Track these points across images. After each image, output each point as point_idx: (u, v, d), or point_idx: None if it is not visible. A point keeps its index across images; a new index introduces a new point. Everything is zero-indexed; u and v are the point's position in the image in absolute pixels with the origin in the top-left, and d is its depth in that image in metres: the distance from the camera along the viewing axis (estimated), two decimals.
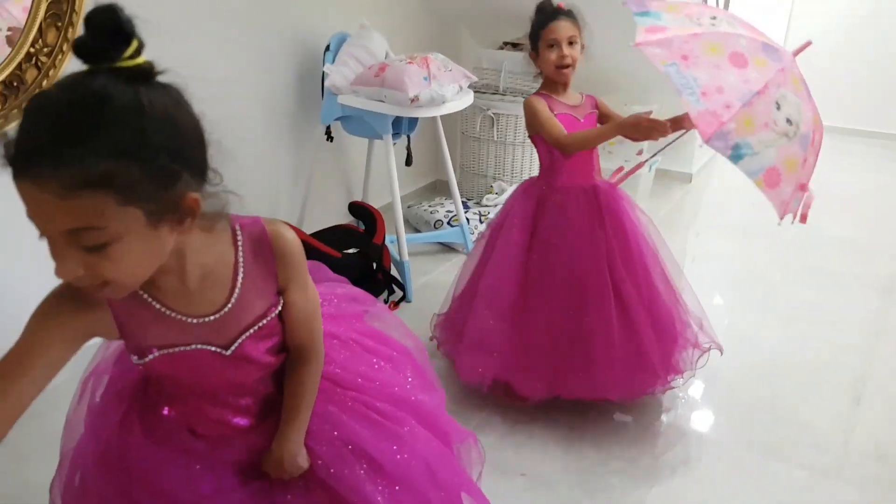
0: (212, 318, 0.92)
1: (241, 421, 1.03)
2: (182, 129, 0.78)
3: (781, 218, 1.52)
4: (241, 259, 0.94)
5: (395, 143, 2.62)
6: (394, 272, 2.62)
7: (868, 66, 5.78)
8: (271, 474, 1.01)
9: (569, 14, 1.84)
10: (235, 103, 2.46)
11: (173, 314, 0.91)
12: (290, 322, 1.00)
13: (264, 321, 0.97)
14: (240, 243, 0.94)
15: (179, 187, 0.76)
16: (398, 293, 2.59)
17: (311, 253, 2.32)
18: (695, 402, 2.08)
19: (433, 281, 2.78)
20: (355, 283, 2.38)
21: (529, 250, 1.90)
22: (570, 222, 1.87)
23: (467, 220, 3.12)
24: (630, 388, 1.88)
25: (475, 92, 3.42)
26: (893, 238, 3.63)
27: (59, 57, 1.81)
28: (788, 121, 1.50)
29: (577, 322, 1.84)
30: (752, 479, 1.76)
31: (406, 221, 3.39)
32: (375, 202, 3.28)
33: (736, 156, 1.44)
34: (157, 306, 0.89)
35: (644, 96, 3.69)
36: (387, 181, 2.56)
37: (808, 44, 1.65)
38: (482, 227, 3.09)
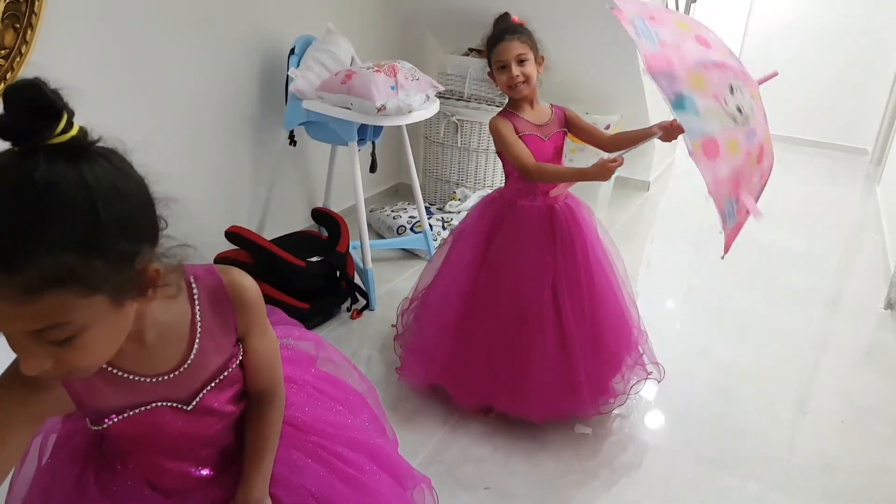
0: (171, 375, 0.89)
1: (202, 472, 1.00)
2: (132, 200, 0.72)
3: (712, 191, 1.44)
4: (198, 314, 0.91)
5: (360, 150, 2.60)
6: (357, 280, 2.61)
7: (822, 79, 5.98)
8: None
9: (518, 31, 1.83)
10: (195, 106, 2.42)
11: (131, 376, 0.87)
12: (251, 369, 0.98)
13: (225, 373, 0.94)
14: (196, 297, 0.91)
15: (139, 262, 0.73)
16: (361, 301, 2.58)
17: (276, 262, 2.30)
18: (650, 413, 2.13)
19: (396, 288, 2.78)
20: (319, 290, 2.39)
21: (480, 267, 1.95)
22: (522, 246, 1.90)
23: (430, 226, 3.13)
24: (555, 411, 1.95)
25: (440, 98, 3.43)
26: (841, 252, 3.78)
27: (17, 59, 1.75)
28: (739, 109, 1.51)
29: (513, 342, 1.90)
30: (705, 492, 1.82)
31: (368, 227, 3.37)
32: (337, 206, 3.26)
33: (678, 104, 1.43)
34: (115, 371, 0.86)
35: (606, 107, 3.74)
36: (349, 185, 2.55)
37: (775, 74, 1.69)
38: (445, 234, 3.11)
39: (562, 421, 1.99)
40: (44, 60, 1.77)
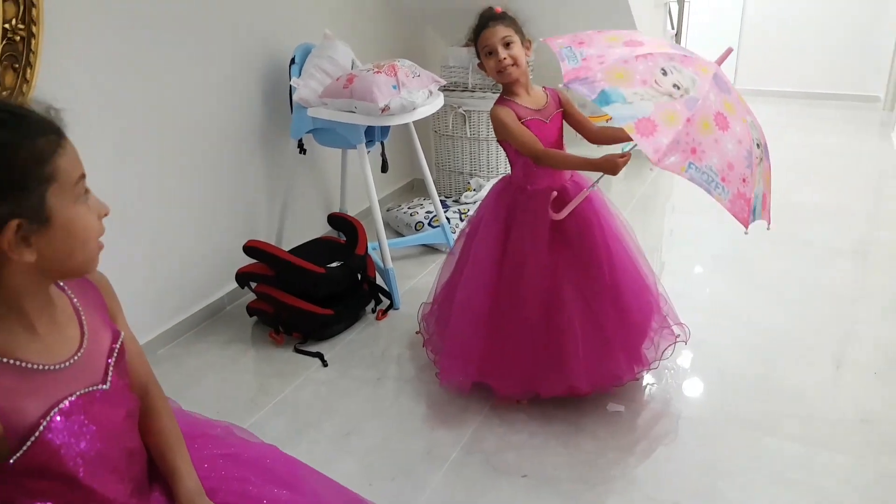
0: (76, 357, 0.89)
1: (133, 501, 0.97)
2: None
3: (656, 161, 1.46)
4: (71, 295, 0.93)
5: (369, 152, 2.62)
6: (379, 281, 2.63)
7: (827, 32, 5.87)
8: None
9: (501, 17, 1.85)
10: (202, 127, 2.45)
11: (39, 366, 0.85)
12: (130, 355, 1.00)
13: (117, 345, 0.96)
14: (61, 282, 0.93)
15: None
16: (385, 302, 2.61)
17: (295, 271, 2.33)
18: (682, 381, 2.13)
19: (419, 285, 2.80)
20: (341, 295, 2.42)
21: (502, 257, 1.96)
22: (540, 229, 1.91)
23: (447, 219, 3.14)
24: (599, 378, 1.96)
25: (444, 90, 3.44)
26: (861, 202, 3.72)
27: (20, 98, 1.79)
28: (676, 85, 1.55)
29: (545, 325, 1.92)
30: (747, 455, 1.81)
31: (386, 225, 3.39)
32: (353, 209, 3.29)
33: (603, 100, 1.51)
34: (22, 364, 0.84)
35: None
36: (363, 188, 2.57)
37: (730, 50, 1.72)
38: (463, 225, 3.12)
39: (604, 391, 2.01)
40: (47, 97, 1.81)
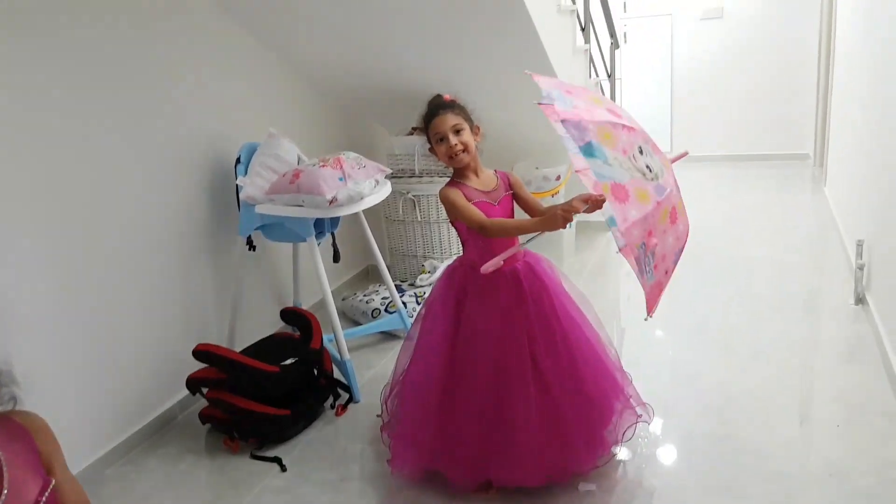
0: None
1: None
2: None
3: (621, 231, 1.47)
4: None
5: (319, 243, 2.62)
6: (337, 374, 2.57)
7: (754, 98, 6.23)
8: None
9: (451, 105, 1.91)
10: (147, 225, 2.42)
11: None
12: None
13: (44, 497, 0.93)
14: None
15: None
16: (344, 395, 2.54)
17: (248, 373, 2.26)
18: (653, 452, 2.10)
19: (379, 374, 2.75)
20: (298, 393, 2.35)
21: (454, 339, 1.94)
22: (492, 311, 1.90)
23: (404, 303, 3.13)
24: (553, 473, 1.90)
25: (393, 177, 3.50)
26: (802, 254, 3.85)
27: None
28: (648, 167, 1.59)
29: (499, 410, 1.88)
30: None
31: (343, 315, 3.36)
32: (308, 301, 3.25)
33: (587, 151, 1.49)
34: None
35: (553, 159, 3.84)
36: (316, 279, 2.55)
37: (685, 154, 1.81)
38: (420, 308, 3.10)
39: (563, 482, 1.94)
40: None
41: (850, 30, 3.94)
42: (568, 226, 4.05)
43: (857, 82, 3.59)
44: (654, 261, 1.53)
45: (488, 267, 1.72)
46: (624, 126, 1.61)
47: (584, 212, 1.69)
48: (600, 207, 1.64)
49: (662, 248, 1.55)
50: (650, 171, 1.59)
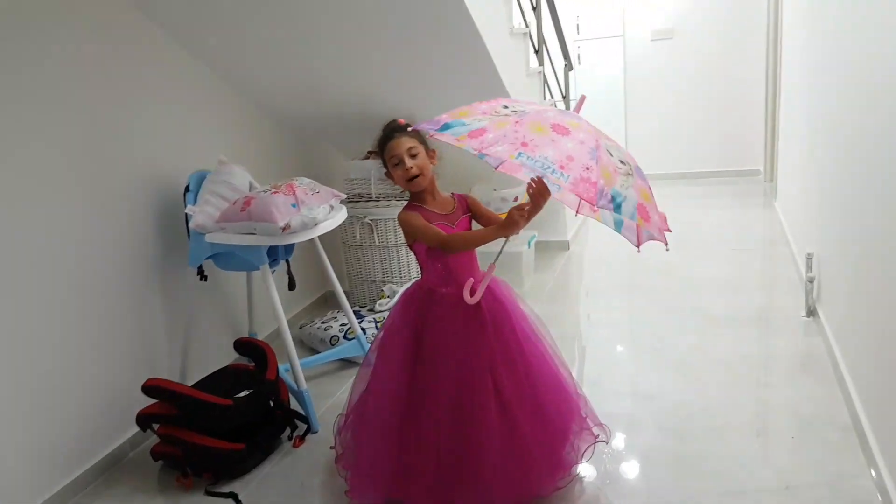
0: None
1: None
2: None
3: (479, 149, 1.50)
4: None
5: (274, 271, 2.57)
6: (294, 405, 2.52)
7: (705, 117, 6.38)
8: None
9: (405, 129, 1.91)
10: (92, 257, 2.35)
11: None
12: None
13: None
14: None
15: None
16: (302, 426, 2.48)
17: (201, 407, 2.20)
18: (612, 471, 2.09)
19: (339, 402, 2.69)
20: (253, 426, 2.29)
21: (413, 365, 1.91)
22: (451, 335, 1.89)
23: (363, 329, 3.09)
24: (515, 496, 1.88)
25: (350, 202, 3.48)
26: (757, 269, 3.93)
27: None
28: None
29: (459, 435, 1.85)
30: None
31: (301, 343, 3.31)
32: (264, 331, 3.19)
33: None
34: None
35: (509, 181, 3.87)
36: (272, 309, 2.50)
37: (584, 98, 1.82)
38: (378, 333, 3.07)
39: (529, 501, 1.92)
40: None
41: (795, 47, 4.08)
42: (527, 244, 4.07)
43: (802, 98, 3.70)
44: (556, 163, 1.47)
45: (476, 297, 1.79)
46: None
47: (536, 200, 1.73)
48: (546, 191, 1.71)
49: (559, 152, 1.49)
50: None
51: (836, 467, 1.98)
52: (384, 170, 1.98)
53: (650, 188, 1.67)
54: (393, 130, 1.91)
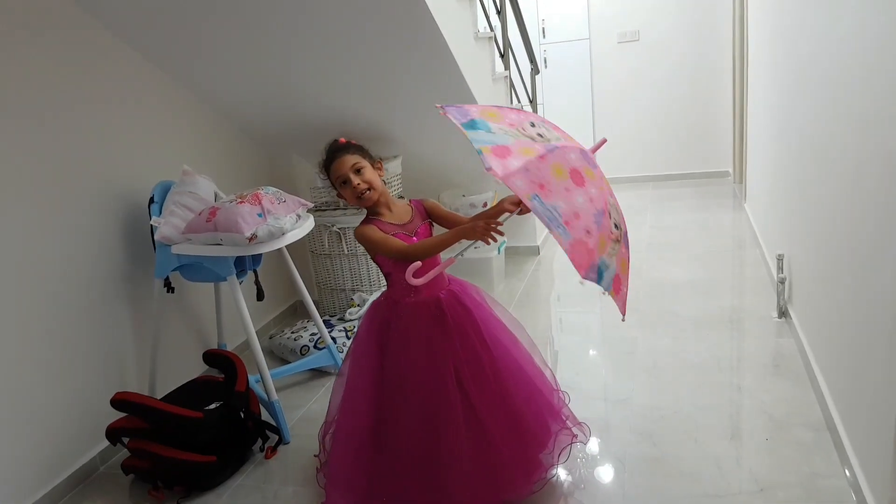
0: None
1: None
2: None
3: (502, 175, 1.48)
4: None
5: (241, 282, 2.52)
6: (265, 416, 2.47)
7: (673, 119, 6.44)
8: None
9: (347, 147, 1.89)
10: (56, 270, 2.29)
11: None
12: None
13: None
14: None
15: None
16: (273, 437, 2.44)
17: (170, 420, 2.15)
18: (588, 474, 2.09)
19: (311, 413, 2.66)
20: (224, 438, 2.24)
21: (380, 374, 1.90)
22: (416, 343, 1.88)
23: (334, 338, 3.05)
24: (486, 501, 1.87)
25: (317, 210, 3.44)
26: (728, 271, 3.97)
27: None
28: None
29: (429, 441, 1.84)
30: None
31: (270, 354, 3.26)
32: (233, 342, 3.13)
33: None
34: None
35: (478, 187, 3.86)
36: (241, 320, 2.45)
37: (604, 141, 1.80)
38: (350, 344, 3.03)
39: None
40: None
41: (761, 47, 4.13)
42: (497, 250, 4.05)
43: (769, 99, 3.75)
44: (563, 217, 1.47)
45: (419, 281, 1.71)
46: (513, 109, 1.63)
47: (518, 213, 1.74)
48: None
49: (569, 206, 1.49)
50: (542, 137, 1.60)
51: (810, 467, 1.99)
52: (335, 191, 1.95)
53: (629, 256, 1.70)
54: (335, 151, 1.90)
